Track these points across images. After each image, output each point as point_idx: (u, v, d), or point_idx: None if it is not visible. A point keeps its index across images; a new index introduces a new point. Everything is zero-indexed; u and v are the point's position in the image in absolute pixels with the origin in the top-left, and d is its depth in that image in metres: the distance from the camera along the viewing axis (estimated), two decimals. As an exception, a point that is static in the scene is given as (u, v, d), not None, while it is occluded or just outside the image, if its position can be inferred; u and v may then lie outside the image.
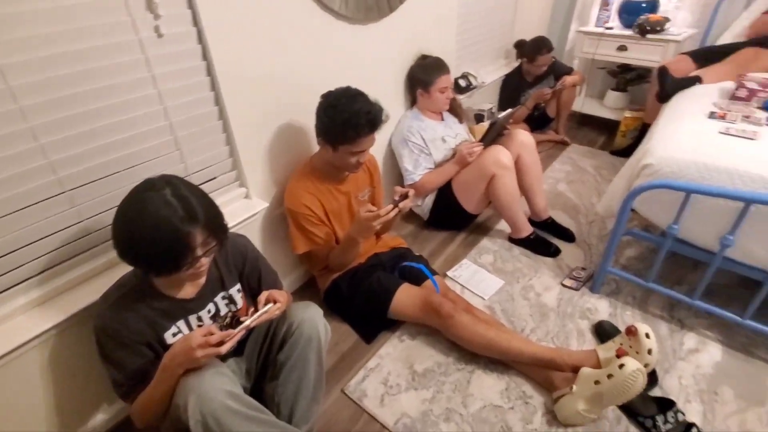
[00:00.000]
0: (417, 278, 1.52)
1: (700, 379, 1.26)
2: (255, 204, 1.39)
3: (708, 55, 2.07)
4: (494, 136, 1.88)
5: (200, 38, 1.11)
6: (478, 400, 1.25)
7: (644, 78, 2.82)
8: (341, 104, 1.23)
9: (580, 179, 2.38)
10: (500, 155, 1.72)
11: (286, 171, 1.48)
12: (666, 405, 1.15)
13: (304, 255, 1.44)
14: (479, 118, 2.45)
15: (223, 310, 1.03)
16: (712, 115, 1.41)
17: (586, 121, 3.07)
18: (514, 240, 1.89)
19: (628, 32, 2.57)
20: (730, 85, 1.62)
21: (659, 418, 1.11)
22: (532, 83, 2.65)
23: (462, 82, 2.30)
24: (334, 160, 1.33)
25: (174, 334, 0.95)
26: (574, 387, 1.14)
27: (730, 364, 1.30)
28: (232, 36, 1.15)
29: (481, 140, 1.84)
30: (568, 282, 1.65)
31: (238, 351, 1.10)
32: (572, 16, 2.99)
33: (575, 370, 1.18)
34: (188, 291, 0.97)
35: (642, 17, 2.47)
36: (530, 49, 2.50)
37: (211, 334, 0.83)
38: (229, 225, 0.94)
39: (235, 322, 1.03)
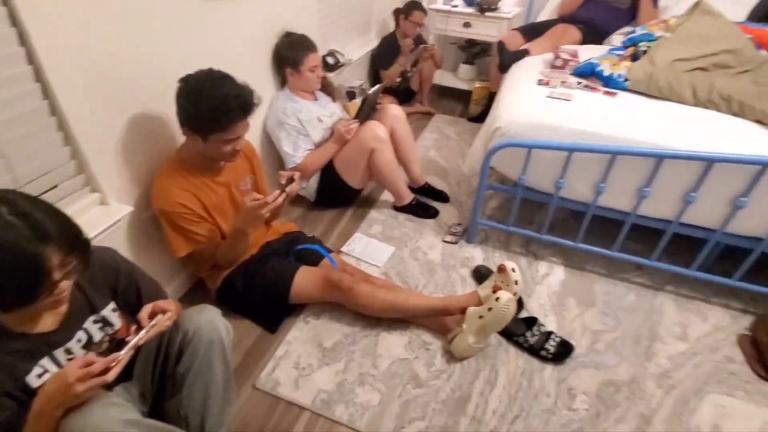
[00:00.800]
0: (313, 259, 1.53)
1: (552, 296, 1.58)
2: (115, 210, 1.21)
3: (532, 31, 2.45)
4: (368, 111, 1.95)
5: (13, 19, 0.90)
6: (386, 359, 1.36)
7: (487, 52, 3.20)
8: (206, 89, 1.13)
9: (446, 145, 2.64)
10: (377, 130, 1.81)
11: (149, 168, 1.32)
12: (531, 322, 1.41)
13: (188, 257, 1.32)
14: (351, 95, 2.50)
15: (98, 336, 0.90)
16: (539, 83, 1.70)
17: (445, 92, 3.38)
18: (398, 208, 2.03)
19: (471, 10, 2.87)
20: (550, 56, 1.96)
21: (528, 334, 1.37)
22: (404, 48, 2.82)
23: (330, 60, 2.31)
24: (205, 150, 1.23)
25: (39, 375, 0.79)
26: (464, 325, 1.32)
27: (570, 280, 1.65)
28: (58, 15, 0.96)
29: (356, 117, 1.89)
30: (448, 238, 1.85)
31: (125, 376, 0.98)
32: (422, -7, 3.19)
33: (463, 311, 1.36)
34: (48, 323, 0.82)
35: (480, -4, 2.79)
36: (412, 4, 2.68)
37: (91, 363, 0.73)
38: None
39: (116, 344, 0.92)
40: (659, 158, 1.32)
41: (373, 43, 2.87)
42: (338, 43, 2.46)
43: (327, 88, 2.05)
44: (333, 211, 2.04)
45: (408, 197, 1.99)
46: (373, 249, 1.81)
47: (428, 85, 3.01)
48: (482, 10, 2.79)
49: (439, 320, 1.42)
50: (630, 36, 1.82)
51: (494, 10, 2.80)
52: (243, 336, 1.43)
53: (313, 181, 1.95)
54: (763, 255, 1.41)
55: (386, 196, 2.12)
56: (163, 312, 0.86)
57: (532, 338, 1.37)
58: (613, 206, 1.53)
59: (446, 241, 1.85)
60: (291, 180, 1.26)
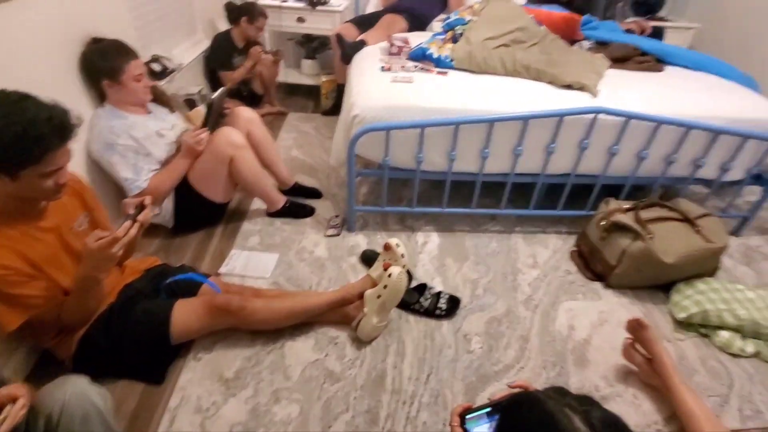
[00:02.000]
0: (189, 290, 1.38)
1: (433, 260, 1.74)
2: None
3: (364, 22, 2.59)
4: (216, 118, 1.81)
5: None
6: (297, 367, 1.32)
7: (326, 45, 3.26)
8: (4, 115, 0.89)
9: (307, 142, 2.63)
10: (232, 135, 1.69)
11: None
12: (422, 288, 1.53)
13: (24, 327, 1.05)
14: (191, 103, 2.27)
15: None
16: (382, 69, 1.81)
17: (292, 90, 3.34)
18: (272, 213, 1.95)
19: (302, 5, 2.87)
20: (385, 44, 2.10)
21: (421, 299, 1.49)
22: (243, 49, 2.66)
23: (155, 66, 2.05)
24: (19, 191, 0.98)
25: None
26: (365, 309, 1.37)
27: (445, 243, 1.84)
28: None
29: (204, 125, 1.74)
30: (330, 232, 1.87)
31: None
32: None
33: (361, 296, 1.40)
34: None
35: (306, -10, 2.80)
36: (256, 10, 2.58)
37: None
38: None
39: None
40: (491, 123, 1.56)
41: (203, 44, 2.65)
42: (161, 47, 2.20)
43: (160, 98, 1.82)
44: (199, 233, 1.86)
45: (280, 201, 1.93)
46: (256, 261, 1.71)
47: (273, 86, 2.95)
48: (313, 4, 2.82)
49: (340, 312, 1.44)
50: (447, 21, 2.07)
51: (324, 3, 2.86)
52: (122, 399, 1.21)
53: (168, 205, 1.73)
54: (573, 186, 1.79)
55: (257, 204, 2.01)
56: (12, 401, 0.68)
57: (425, 302, 1.49)
58: (465, 170, 1.75)
59: (329, 235, 1.86)
60: (142, 206, 1.10)
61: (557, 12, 2.19)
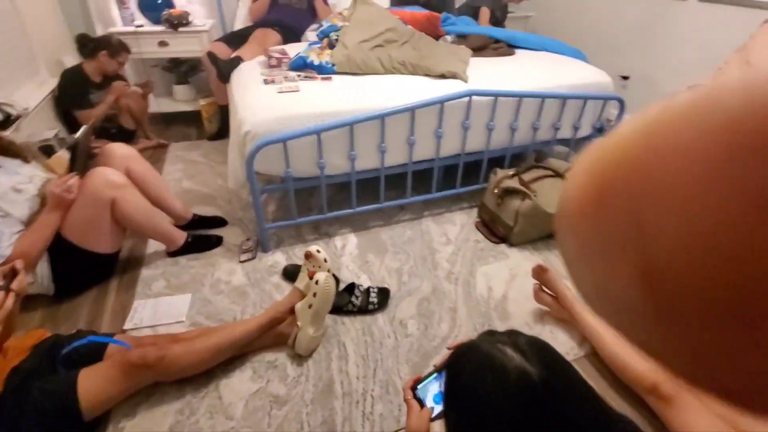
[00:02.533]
0: (93, 356, 1.20)
1: (356, 260, 1.77)
2: None
3: (235, 39, 2.51)
4: (84, 160, 1.61)
5: None
6: (238, 403, 1.23)
7: (198, 68, 3.08)
8: None
9: (198, 171, 2.46)
10: (109, 175, 1.52)
11: None
12: (351, 288, 1.55)
13: None
14: (49, 149, 1.98)
15: None
16: (265, 82, 1.79)
17: (169, 119, 3.09)
18: (174, 253, 1.79)
19: (161, 28, 2.67)
20: (263, 58, 2.07)
21: (353, 299, 1.50)
22: (101, 84, 2.39)
23: (-7, 114, 1.74)
24: None
25: None
26: (299, 323, 1.34)
27: (363, 241, 1.88)
28: None
29: (71, 170, 1.53)
30: (243, 257, 1.78)
31: None
32: (91, 18, 2.76)
33: (291, 312, 1.37)
34: None
35: (165, 12, 2.62)
36: (117, 44, 2.36)
37: None
38: None
39: None
40: (382, 118, 1.64)
41: (50, 83, 2.32)
42: (0, 93, 1.88)
43: (10, 150, 1.55)
44: (89, 293, 1.62)
45: (180, 237, 1.78)
46: (166, 307, 1.56)
47: (145, 118, 2.70)
48: (174, 26, 2.65)
49: (273, 333, 1.38)
50: (321, 29, 2.12)
51: (187, 24, 2.70)
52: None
53: (43, 269, 1.49)
54: (465, 165, 1.96)
55: (153, 246, 1.83)
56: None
57: (357, 300, 1.51)
58: (368, 167, 1.81)
59: (243, 261, 1.77)
60: (13, 273, 0.93)
61: (419, 12, 2.38)
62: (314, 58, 1.86)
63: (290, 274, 1.67)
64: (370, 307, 1.51)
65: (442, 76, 1.84)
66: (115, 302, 1.60)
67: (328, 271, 1.38)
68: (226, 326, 1.38)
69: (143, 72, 3.01)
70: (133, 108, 2.55)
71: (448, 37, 2.38)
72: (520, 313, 1.51)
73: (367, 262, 1.76)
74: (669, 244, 0.12)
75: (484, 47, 2.29)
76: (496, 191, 1.80)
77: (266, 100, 1.67)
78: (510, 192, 1.77)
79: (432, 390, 0.75)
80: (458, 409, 0.53)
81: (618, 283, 0.14)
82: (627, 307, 0.14)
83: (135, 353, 1.15)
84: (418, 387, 0.77)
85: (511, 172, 1.85)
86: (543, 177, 1.82)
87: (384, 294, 1.56)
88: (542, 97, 1.85)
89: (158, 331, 1.45)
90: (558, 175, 1.83)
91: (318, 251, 1.40)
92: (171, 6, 2.76)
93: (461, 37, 2.40)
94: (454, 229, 1.95)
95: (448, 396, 0.57)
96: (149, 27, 2.69)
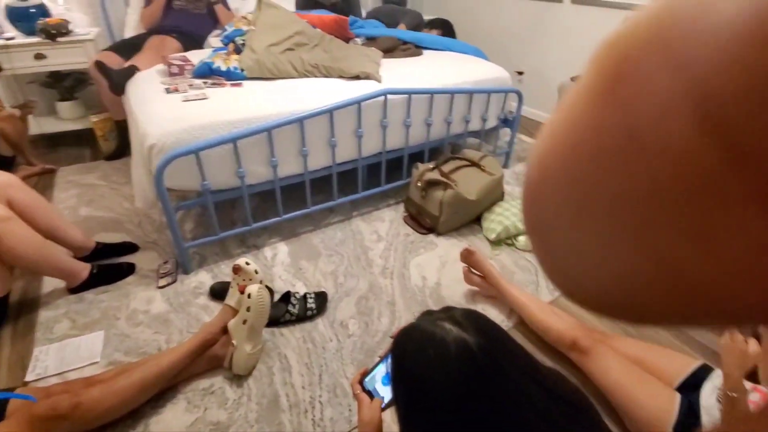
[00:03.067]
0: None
1: (288, 268, 1.72)
2: None
3: (126, 47, 2.30)
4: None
5: None
6: (174, 437, 1.13)
7: (86, 81, 2.76)
8: None
9: (97, 195, 2.21)
10: (-19, 207, 1.29)
11: None
12: (286, 297, 1.50)
13: None
14: None
15: None
16: (168, 91, 1.66)
17: (55, 141, 2.73)
18: (77, 288, 1.58)
19: (36, 39, 2.35)
20: (162, 67, 1.92)
21: (289, 308, 1.46)
22: None
23: None
24: None
25: None
26: (234, 341, 1.26)
27: (294, 248, 1.83)
28: None
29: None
30: (162, 282, 1.64)
31: None
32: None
33: (224, 331, 1.29)
34: None
35: (40, 22, 2.32)
36: None
37: None
38: None
39: None
40: (301, 122, 1.61)
41: None
42: None
43: None
44: (-26, 345, 1.38)
45: (83, 270, 1.57)
46: (75, 350, 1.37)
47: (25, 142, 2.35)
48: (52, 36, 2.35)
49: (206, 357, 1.29)
50: (225, 35, 2.02)
51: (67, 33, 2.41)
52: None
53: None
54: (388, 162, 2.01)
55: (51, 283, 1.60)
56: None
57: (294, 309, 1.47)
58: (291, 173, 1.77)
59: (162, 286, 1.62)
60: None
61: (327, 15, 2.39)
62: (221, 64, 1.77)
63: (218, 292, 1.57)
64: (309, 313, 1.47)
65: (356, 78, 1.87)
66: (11, 353, 1.37)
67: (261, 282, 1.33)
68: (150, 359, 1.26)
69: (18, 90, 2.62)
70: (9, 133, 2.21)
71: (358, 40, 2.43)
72: (454, 296, 1.58)
73: (301, 269, 1.72)
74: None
75: (393, 49, 2.37)
76: (419, 184, 1.87)
77: (171, 110, 1.55)
78: (432, 184, 1.85)
79: (379, 378, 0.76)
80: (405, 386, 0.54)
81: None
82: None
83: (43, 405, 1.00)
84: (366, 380, 0.77)
85: (431, 165, 1.94)
86: (460, 167, 1.93)
87: (321, 298, 1.53)
88: (452, 93, 1.97)
89: (69, 377, 1.27)
90: (474, 164, 1.95)
91: (247, 263, 1.34)
92: (46, 14, 2.44)
93: (371, 40, 2.45)
94: (384, 225, 1.99)
95: (394, 376, 0.58)
96: (22, 39, 2.36)
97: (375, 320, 1.49)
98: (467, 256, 1.50)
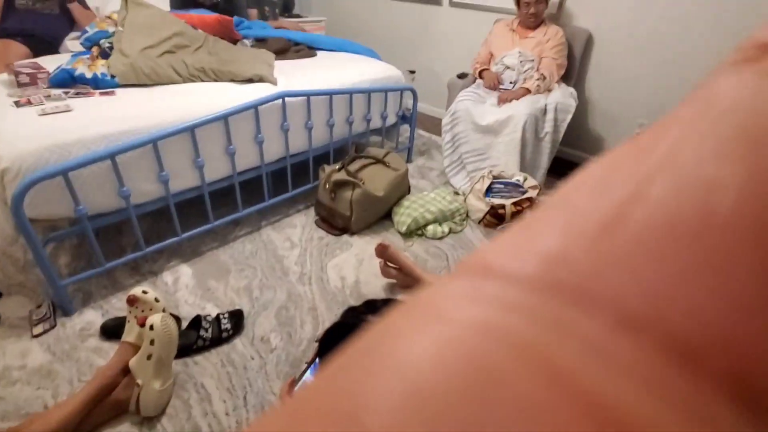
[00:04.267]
0: None
1: (195, 290, 1.58)
2: None
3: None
4: None
5: None
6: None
7: None
8: None
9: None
10: None
11: None
12: (197, 323, 1.38)
13: None
14: None
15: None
16: (19, 105, 1.40)
17: None
18: None
19: None
20: (5, 76, 1.61)
21: (201, 332, 1.35)
22: None
23: None
24: None
25: None
26: (138, 380, 1.13)
27: (198, 269, 1.69)
28: None
29: None
30: (38, 330, 1.39)
31: None
32: None
33: (126, 371, 1.14)
34: None
35: None
36: None
37: None
38: None
39: None
40: (192, 130, 1.49)
41: None
42: None
43: None
44: None
45: None
46: None
47: None
48: None
49: (107, 404, 1.13)
50: (86, 37, 1.77)
51: None
52: None
53: None
54: (293, 166, 1.96)
55: None
56: None
57: (207, 333, 1.36)
58: (186, 186, 1.63)
59: (39, 334, 1.38)
60: None
61: (208, 15, 2.23)
62: (85, 71, 1.55)
63: (112, 330, 1.38)
64: (224, 334, 1.38)
65: (250, 81, 1.79)
66: None
67: (164, 310, 1.20)
68: (36, 418, 1.06)
69: None
70: None
71: (246, 41, 2.32)
72: (374, 291, 1.61)
73: (209, 290, 1.59)
74: None
75: (285, 50, 2.31)
76: (327, 186, 1.87)
77: (25, 126, 1.31)
78: (340, 184, 1.85)
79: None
80: None
81: None
82: None
83: None
84: (296, 389, 0.75)
85: (337, 166, 1.94)
86: (366, 165, 1.96)
87: (237, 316, 1.44)
88: (350, 92, 1.99)
89: None
90: (379, 161, 2.00)
91: (144, 292, 1.20)
92: None
93: (260, 41, 2.36)
94: (296, 231, 1.94)
95: None
96: None
97: (298, 329, 1.45)
98: (382, 251, 1.54)
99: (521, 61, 2.30)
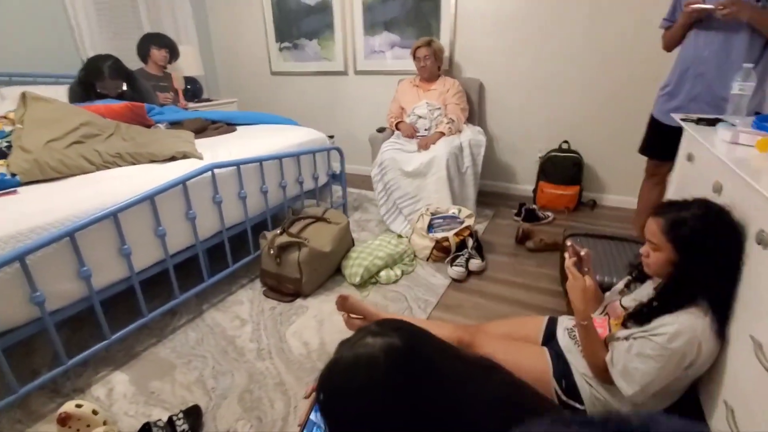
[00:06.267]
0: None
1: (135, 397, 1.35)
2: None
3: None
4: None
5: None
6: None
7: None
8: None
9: None
10: None
11: None
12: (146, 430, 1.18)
13: None
14: None
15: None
16: None
17: None
18: None
19: None
20: None
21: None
22: None
23: None
24: None
25: None
26: None
27: (135, 372, 1.47)
28: None
29: None
30: None
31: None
32: None
33: None
34: None
35: None
36: None
37: None
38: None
39: None
40: (114, 215, 1.37)
41: None
42: None
43: None
44: None
45: None
46: None
47: None
48: None
49: None
50: (-26, 139, 1.59)
51: None
52: None
53: None
54: (231, 240, 1.87)
55: None
56: None
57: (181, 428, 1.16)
58: (112, 280, 1.46)
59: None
60: None
61: (116, 104, 2.16)
62: (-22, 173, 1.37)
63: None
64: (182, 438, 1.18)
65: (172, 158, 1.73)
66: None
67: (105, 423, 1.01)
68: None
69: None
70: None
71: (161, 125, 2.26)
72: (342, 351, 1.52)
73: (154, 393, 1.38)
74: None
75: (203, 128, 2.29)
76: (272, 252, 1.80)
77: None
78: (285, 247, 1.80)
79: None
80: (345, 422, 0.49)
81: None
82: None
83: None
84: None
85: (278, 231, 1.89)
86: (307, 225, 1.95)
87: (194, 414, 1.26)
88: (280, 157, 2.01)
89: None
90: (318, 219, 2.00)
91: (78, 406, 1.01)
92: None
93: (175, 124, 2.32)
94: (244, 307, 1.81)
95: (331, 423, 0.52)
96: None
97: (267, 410, 1.30)
98: (343, 303, 1.49)
99: (430, 110, 2.55)
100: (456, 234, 2.00)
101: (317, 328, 1.66)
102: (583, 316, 1.07)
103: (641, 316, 1.02)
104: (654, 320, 0.98)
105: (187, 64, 3.36)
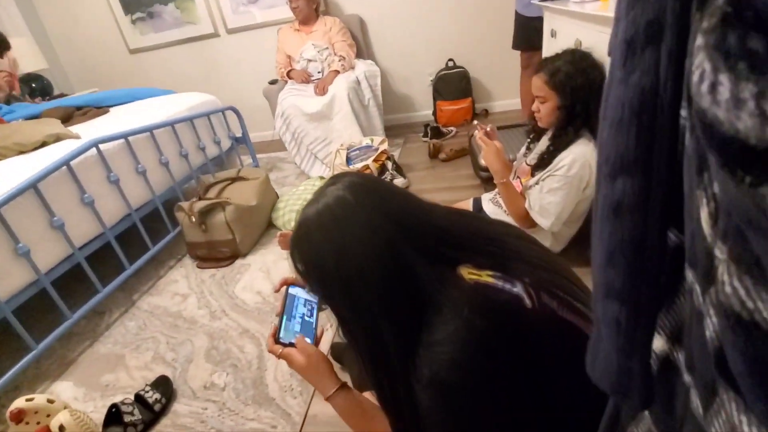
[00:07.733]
0: None
1: (90, 396, 1.25)
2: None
3: None
4: None
5: None
6: None
7: None
8: None
9: None
10: None
11: None
12: (115, 415, 1.10)
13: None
14: None
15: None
16: None
17: None
18: None
19: None
20: None
21: (128, 419, 1.08)
22: None
23: None
24: None
25: None
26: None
27: (78, 375, 1.35)
28: None
29: None
30: None
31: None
32: None
33: None
34: None
35: None
36: None
37: None
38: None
39: None
40: (-7, 211, 1.18)
41: None
42: None
43: None
44: None
45: None
46: None
47: None
48: None
49: None
50: None
51: None
52: None
53: None
54: (143, 220, 1.72)
55: None
56: None
57: (134, 416, 1.10)
58: (18, 286, 1.28)
59: None
60: None
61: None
62: None
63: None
64: (158, 406, 1.14)
65: (43, 144, 1.50)
66: None
67: (65, 408, 0.93)
68: None
69: None
70: None
71: (14, 123, 1.93)
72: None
73: (108, 385, 1.29)
74: None
75: (69, 116, 2.00)
76: (194, 220, 1.70)
77: None
78: (207, 211, 1.71)
79: (294, 326, 0.71)
80: (332, 274, 0.49)
81: None
82: None
83: None
84: (281, 337, 0.69)
85: (194, 198, 1.78)
86: (224, 188, 1.86)
87: (162, 383, 1.21)
88: (171, 123, 1.85)
89: None
90: (234, 179, 1.92)
91: (29, 399, 0.91)
92: None
93: (32, 119, 1.99)
94: (181, 284, 1.71)
95: (318, 277, 0.53)
96: None
97: (240, 355, 1.29)
98: (285, 241, 1.49)
99: (318, 51, 2.51)
100: (374, 160, 2.07)
101: (266, 277, 1.64)
102: (501, 175, 1.23)
103: (543, 161, 1.20)
104: (553, 161, 1.17)
105: (26, 59, 2.84)
